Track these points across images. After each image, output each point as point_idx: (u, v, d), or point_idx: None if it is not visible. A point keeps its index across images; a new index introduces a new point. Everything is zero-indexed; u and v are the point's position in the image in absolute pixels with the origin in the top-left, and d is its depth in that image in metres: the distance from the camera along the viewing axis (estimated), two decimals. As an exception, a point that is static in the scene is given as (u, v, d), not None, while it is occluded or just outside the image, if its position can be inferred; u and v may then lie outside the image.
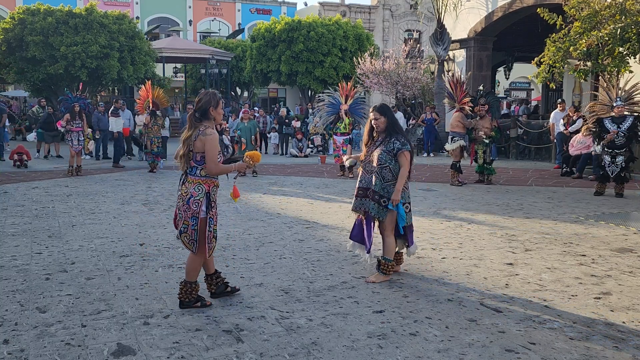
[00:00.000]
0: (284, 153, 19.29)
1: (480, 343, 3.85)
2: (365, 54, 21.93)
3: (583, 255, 6.14)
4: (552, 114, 15.03)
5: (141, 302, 4.57)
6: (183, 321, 4.18)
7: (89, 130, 13.63)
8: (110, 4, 38.36)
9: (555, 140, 14.64)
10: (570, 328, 4.13)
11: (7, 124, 19.05)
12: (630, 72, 11.71)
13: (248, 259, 5.92)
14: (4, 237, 6.80)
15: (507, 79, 31.50)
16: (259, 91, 37.28)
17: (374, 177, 5.20)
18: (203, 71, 29.51)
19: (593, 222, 7.94)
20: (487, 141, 11.48)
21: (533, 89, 45.14)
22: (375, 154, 5.22)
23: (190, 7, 43.12)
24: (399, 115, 20.46)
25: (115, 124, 15.36)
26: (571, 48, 12.19)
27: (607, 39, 11.50)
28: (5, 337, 3.88)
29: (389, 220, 5.18)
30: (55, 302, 4.58)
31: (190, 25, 42.90)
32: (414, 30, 35.79)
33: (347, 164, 5.80)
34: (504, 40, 20.84)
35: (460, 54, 20.45)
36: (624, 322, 4.24)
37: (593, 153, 12.03)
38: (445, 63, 19.96)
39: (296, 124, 20.14)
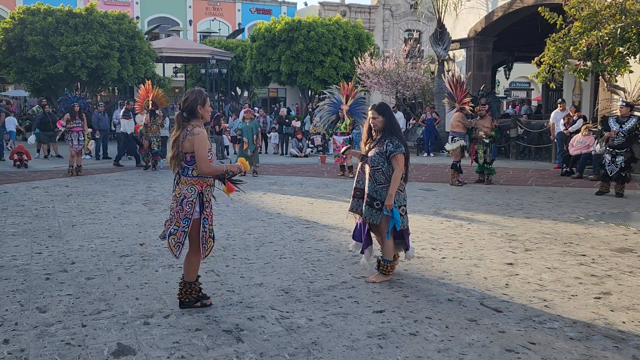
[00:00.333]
0: (284, 153, 19.29)
1: (480, 343, 3.86)
2: (365, 53, 21.93)
3: (583, 255, 6.14)
4: (552, 114, 15.02)
5: (141, 302, 4.57)
6: (183, 321, 4.18)
7: (89, 130, 13.61)
8: (110, 4, 38.35)
9: (555, 140, 14.64)
10: (571, 328, 4.13)
11: (15, 122, 19.09)
12: (631, 72, 11.71)
13: (248, 259, 5.92)
14: (4, 237, 6.80)
15: (507, 78, 31.51)
16: (259, 91, 37.26)
17: (367, 179, 5.19)
18: (203, 71, 29.50)
19: (593, 222, 7.94)
20: (487, 141, 11.48)
21: (533, 89, 45.13)
22: (370, 155, 5.20)
23: (190, 7, 43.10)
24: (399, 115, 20.49)
25: (128, 125, 15.26)
26: (571, 48, 12.18)
27: (607, 38, 11.49)
28: (6, 337, 3.88)
29: (385, 222, 5.16)
30: (56, 302, 4.58)
31: (190, 25, 42.88)
32: (414, 30, 35.78)
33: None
34: (504, 40, 20.83)
35: (460, 54, 20.44)
36: (624, 322, 4.24)
37: (593, 153, 12.04)
38: (445, 63, 19.95)
39: (296, 123, 20.14)
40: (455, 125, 11.69)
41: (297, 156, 18.15)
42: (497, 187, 11.32)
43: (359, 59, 21.54)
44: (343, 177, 12.78)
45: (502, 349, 3.76)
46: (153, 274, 5.32)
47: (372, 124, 5.24)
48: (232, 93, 34.40)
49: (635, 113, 10.30)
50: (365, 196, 5.18)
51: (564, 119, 13.92)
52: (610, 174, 10.15)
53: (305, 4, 43.10)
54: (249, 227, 7.45)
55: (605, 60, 11.84)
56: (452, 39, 19.74)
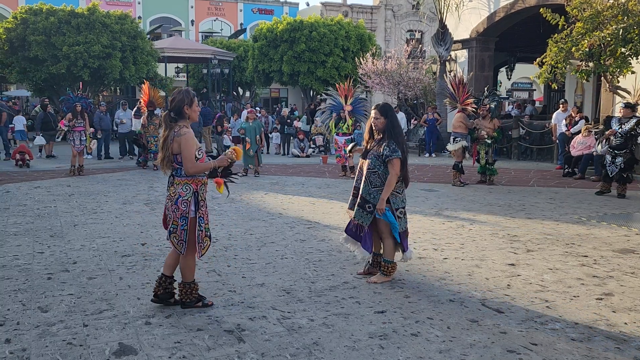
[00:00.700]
0: (286, 153, 19.28)
1: (481, 344, 3.85)
2: (367, 54, 21.91)
3: (585, 256, 6.13)
4: (554, 115, 15.01)
5: (143, 302, 4.57)
6: (185, 321, 4.18)
7: (91, 130, 13.62)
8: (113, 4, 38.38)
9: (557, 141, 14.62)
10: (572, 329, 4.13)
11: (24, 122, 19.14)
12: (632, 72, 11.70)
13: (250, 259, 5.92)
14: (6, 236, 6.81)
15: (509, 79, 31.46)
16: (261, 91, 37.26)
17: (362, 180, 5.18)
18: (205, 71, 29.51)
19: (595, 222, 7.93)
20: (489, 142, 11.48)
21: (535, 90, 45.11)
22: (368, 157, 5.18)
23: (192, 7, 43.13)
24: (401, 116, 20.48)
25: (139, 125, 15.22)
26: (573, 48, 12.18)
27: (609, 39, 11.49)
28: (7, 337, 3.89)
29: (384, 223, 5.15)
30: (57, 301, 4.59)
31: (192, 25, 42.91)
32: (415, 31, 35.74)
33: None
34: (506, 40, 20.82)
35: (462, 55, 20.43)
36: (626, 323, 4.23)
37: (594, 153, 12.02)
38: (447, 63, 19.93)
39: (298, 124, 20.14)
40: (457, 126, 11.69)
41: (298, 156, 18.15)
42: (499, 188, 11.31)
43: (361, 60, 21.53)
44: (345, 178, 12.78)
45: (503, 350, 3.76)
46: (155, 274, 5.31)
47: (373, 124, 5.21)
48: (234, 93, 34.41)
49: (638, 114, 10.31)
50: (359, 197, 5.18)
51: (565, 119, 13.91)
52: (611, 174, 10.19)
53: (307, 4, 43.10)
54: (250, 227, 7.45)
55: (608, 61, 11.83)
56: (454, 39, 19.73)
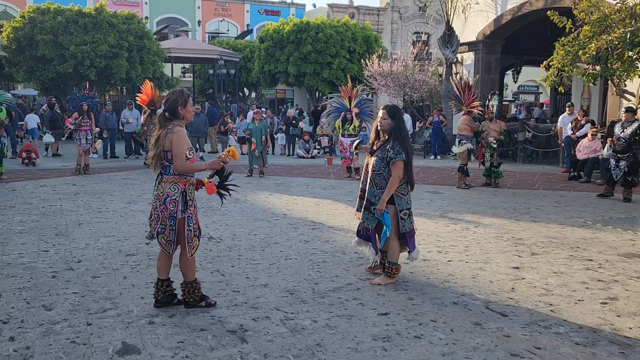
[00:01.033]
0: (291, 154, 19.29)
1: (485, 347, 3.84)
2: (374, 56, 21.90)
3: (590, 260, 6.10)
4: (560, 118, 14.97)
5: (146, 301, 4.57)
6: (188, 321, 4.19)
7: (97, 129, 13.66)
8: (120, 4, 38.52)
9: (563, 144, 14.57)
10: (576, 333, 4.11)
11: (37, 120, 19.26)
12: (639, 76, 11.65)
13: (253, 260, 5.92)
14: (12, 234, 6.83)
15: (516, 82, 31.43)
16: (267, 92, 37.30)
17: (367, 182, 5.18)
18: (211, 71, 29.56)
19: (600, 226, 7.89)
20: (495, 145, 11.46)
21: (541, 92, 44.97)
22: (374, 158, 5.18)
23: (199, 8, 43.25)
24: (407, 117, 20.44)
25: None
26: (580, 52, 12.13)
27: (616, 42, 11.44)
28: (12, 335, 3.90)
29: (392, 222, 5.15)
30: (61, 300, 4.60)
31: (199, 25, 43.02)
32: (422, 33, 35.70)
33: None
34: (512, 43, 20.78)
35: (468, 57, 20.39)
36: (630, 328, 4.21)
37: (600, 157, 11.98)
38: (453, 66, 19.90)
39: (303, 124, 20.15)
40: (462, 129, 11.67)
41: (304, 157, 18.15)
42: (504, 191, 11.28)
43: (367, 61, 21.52)
44: (350, 179, 12.78)
45: (507, 354, 3.74)
46: (158, 274, 5.32)
47: (379, 124, 5.20)
48: (240, 94, 34.46)
49: None
50: (365, 200, 5.18)
51: (571, 123, 13.86)
52: (616, 178, 10.26)
53: (314, 6, 43.16)
54: (254, 228, 7.45)
55: (615, 64, 11.79)
56: (461, 42, 19.70)
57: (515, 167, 15.61)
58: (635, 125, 10.03)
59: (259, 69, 28.32)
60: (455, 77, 19.17)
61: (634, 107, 10.75)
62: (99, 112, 16.89)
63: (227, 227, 7.47)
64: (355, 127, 12.90)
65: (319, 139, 18.95)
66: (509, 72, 28.47)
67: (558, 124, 14.85)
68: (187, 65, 36.18)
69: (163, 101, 4.42)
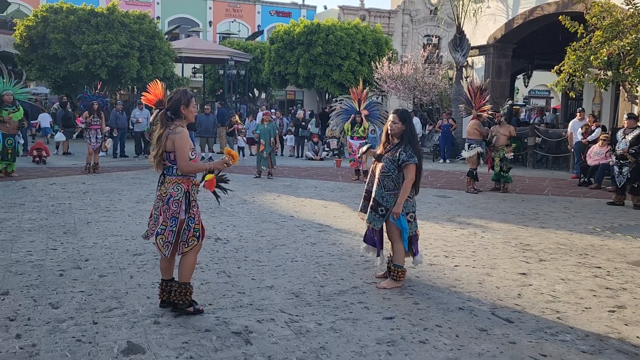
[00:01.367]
0: (300, 155, 19.31)
1: (490, 353, 3.82)
2: (384, 58, 21.87)
3: (598, 267, 6.06)
4: (570, 123, 14.87)
5: (152, 301, 4.59)
6: (193, 321, 4.19)
7: (107, 128, 13.74)
8: (132, 4, 38.73)
9: (573, 150, 14.49)
10: (583, 341, 4.08)
11: (49, 119, 19.44)
12: (651, 82, 11.58)
13: (260, 261, 5.93)
14: (21, 232, 6.88)
15: (526, 86, 31.24)
16: (277, 93, 37.35)
17: (375, 183, 5.18)
18: (221, 72, 29.66)
19: (610, 233, 7.83)
20: (511, 157, 11.45)
21: (553, 97, 44.69)
22: (382, 160, 5.18)
23: (210, 8, 43.40)
24: (416, 121, 20.39)
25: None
26: (592, 57, 12.07)
27: (628, 48, 11.37)
28: (18, 332, 3.93)
29: (395, 227, 5.15)
30: (68, 298, 4.63)
31: (210, 26, 43.16)
32: (432, 36, 35.63)
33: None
34: (523, 47, 20.69)
35: (479, 61, 20.33)
36: (638, 337, 4.17)
37: (611, 163, 11.90)
38: (463, 69, 19.85)
39: (310, 126, 20.17)
40: (471, 133, 11.63)
41: (312, 159, 18.16)
42: (513, 196, 11.22)
43: (377, 64, 21.50)
44: (358, 182, 12.76)
45: (512, 360, 3.72)
46: (165, 274, 5.34)
47: (390, 128, 5.20)
48: (250, 94, 34.53)
49: None
50: (371, 200, 5.18)
51: (581, 128, 13.77)
52: (620, 185, 10.29)
53: (325, 8, 43.16)
54: (261, 229, 7.46)
55: (627, 70, 11.72)
56: (471, 45, 19.64)
57: (525, 172, 15.53)
58: (636, 132, 10.03)
59: (269, 70, 28.37)
60: (466, 80, 19.15)
61: (636, 114, 10.70)
62: (110, 111, 17.00)
63: (235, 228, 7.49)
64: (365, 129, 12.90)
65: (327, 141, 18.96)
66: (520, 76, 28.32)
67: (568, 129, 14.76)
68: (197, 66, 36.29)
69: (166, 99, 4.39)
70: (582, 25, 12.49)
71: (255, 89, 35.84)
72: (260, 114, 17.38)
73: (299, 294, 4.91)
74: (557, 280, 5.54)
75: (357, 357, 3.71)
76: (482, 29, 19.60)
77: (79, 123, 13.91)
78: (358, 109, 12.95)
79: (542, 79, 36.43)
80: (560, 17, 12.96)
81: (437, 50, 24.71)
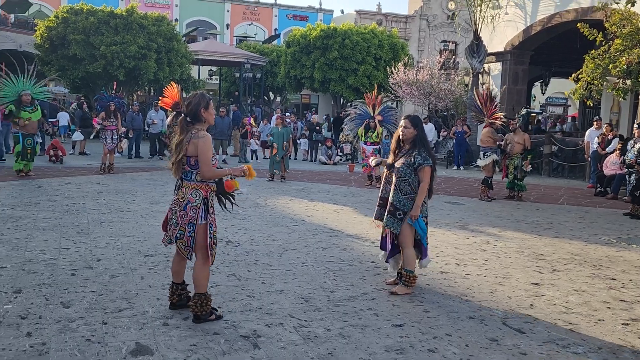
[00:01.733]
0: (313, 160, 19.31)
1: (500, 364, 3.78)
2: (399, 63, 21.83)
3: (613, 279, 5.97)
4: (587, 132, 14.71)
5: (162, 303, 4.60)
6: (202, 324, 4.19)
7: (122, 129, 13.85)
8: (151, 6, 39.09)
9: (589, 159, 14.33)
10: (595, 354, 4.02)
11: (67, 117, 19.70)
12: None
13: (270, 265, 5.92)
14: (35, 230, 6.95)
15: (544, 93, 31.00)
16: (292, 97, 37.44)
17: (392, 188, 5.17)
18: (237, 75, 29.80)
19: (625, 245, 7.73)
20: (529, 170, 11.36)
21: (570, 105, 44.29)
22: (397, 165, 5.18)
23: (228, 11, 43.65)
24: (430, 127, 20.32)
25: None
26: (610, 65, 11.94)
27: (648, 57, 11.23)
28: (29, 330, 3.96)
29: (407, 232, 5.13)
30: (79, 297, 4.66)
31: (227, 28, 43.42)
32: (449, 42, 35.52)
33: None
34: (541, 54, 20.52)
35: (495, 67, 20.21)
36: (651, 351, 4.10)
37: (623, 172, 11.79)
38: (480, 76, 19.74)
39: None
40: (485, 141, 11.56)
41: (326, 163, 18.16)
42: (527, 205, 11.12)
43: (393, 69, 21.45)
44: (370, 187, 12.73)
45: (522, 372, 3.67)
46: (176, 275, 5.36)
47: (402, 134, 5.21)
48: (265, 98, 34.65)
49: None
50: (389, 205, 5.17)
51: (598, 137, 13.62)
52: (628, 194, 10.31)
53: (342, 12, 43.21)
54: (273, 233, 7.46)
55: (646, 79, 11.58)
56: (488, 51, 19.52)
57: (540, 181, 15.39)
58: None
59: (284, 73, 28.46)
60: (482, 87, 19.04)
61: None
62: (126, 112, 17.14)
63: (246, 231, 7.50)
64: (378, 134, 12.86)
65: (341, 145, 18.94)
66: (537, 83, 28.11)
67: (585, 138, 14.60)
68: (214, 68, 36.51)
69: (185, 104, 4.34)
70: (601, 33, 12.36)
71: (270, 92, 35.97)
72: (274, 118, 17.42)
73: (309, 299, 4.90)
74: (571, 291, 5.47)
75: (365, 364, 3.69)
76: (500, 35, 19.48)
77: (95, 124, 14.03)
78: (372, 114, 12.93)
79: (559, 86, 36.12)
80: (578, 24, 12.84)
81: (453, 56, 24.66)
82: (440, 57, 22.35)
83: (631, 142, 10.48)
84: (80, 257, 5.85)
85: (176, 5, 42.17)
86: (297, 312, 4.56)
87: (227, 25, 43.53)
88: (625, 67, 11.63)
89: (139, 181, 11.92)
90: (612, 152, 12.87)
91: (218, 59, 29.57)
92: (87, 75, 22.96)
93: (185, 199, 4.18)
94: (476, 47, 19.37)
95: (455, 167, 18.24)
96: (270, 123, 19.26)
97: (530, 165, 11.38)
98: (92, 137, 18.35)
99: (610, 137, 13.38)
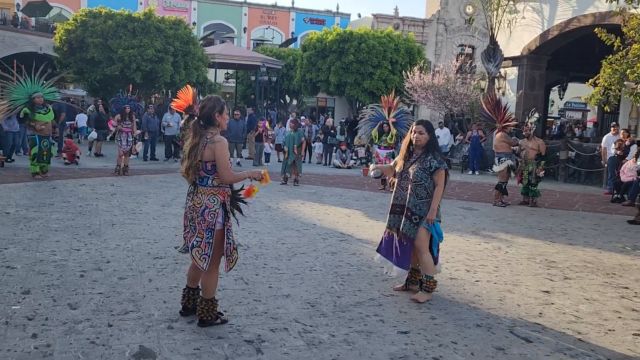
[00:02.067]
0: (327, 163, 19.30)
1: (505, 373, 3.72)
2: (415, 67, 21.75)
3: (626, 288, 5.87)
4: (604, 138, 14.54)
5: (168, 306, 4.62)
6: (206, 328, 4.19)
7: (137, 131, 13.97)
8: (169, 9, 39.45)
9: (606, 165, 14.14)
10: (603, 365, 3.95)
11: (86, 119, 19.99)
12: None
13: (278, 269, 5.92)
14: (48, 231, 7.02)
15: (562, 98, 30.69)
16: (308, 100, 37.49)
17: (408, 194, 5.15)
18: (253, 78, 29.93)
19: (640, 253, 7.60)
20: (542, 175, 11.21)
21: (590, 110, 43.78)
22: (411, 170, 5.16)
23: (245, 15, 43.92)
24: (445, 131, 20.21)
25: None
26: (628, 71, 11.79)
27: (666, 62, 11.06)
28: (35, 332, 3.99)
29: (424, 237, 5.10)
30: (87, 299, 4.69)
31: (244, 32, 43.66)
32: (466, 46, 35.30)
33: (372, 174, 5.69)
34: (559, 59, 20.33)
35: (512, 72, 20.06)
36: (662, 363, 4.02)
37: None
38: (496, 80, 19.59)
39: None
40: (499, 146, 11.45)
41: (340, 167, 18.14)
42: (542, 210, 10.99)
43: (408, 73, 21.38)
44: (384, 191, 12.68)
45: (527, 382, 3.62)
46: (184, 278, 5.32)
47: (415, 139, 5.18)
48: (282, 101, 34.74)
49: None
50: (405, 210, 5.14)
51: (615, 143, 13.44)
52: (637, 201, 10.15)
53: (359, 15, 43.20)
54: (283, 237, 7.46)
55: (664, 84, 11.40)
56: (505, 56, 19.38)
57: (556, 187, 15.22)
58: None
59: (300, 77, 28.50)
60: (498, 91, 18.90)
61: None
62: (141, 114, 17.28)
63: (256, 234, 7.50)
64: (392, 135, 12.80)
65: (355, 149, 18.91)
66: (555, 88, 27.83)
67: (602, 143, 14.43)
68: (230, 71, 36.70)
69: (198, 108, 4.27)
70: (619, 38, 12.20)
71: (287, 96, 36.05)
72: (289, 121, 17.45)
73: (315, 304, 4.88)
74: (582, 300, 5.38)
75: (368, 371, 3.66)
76: (516, 39, 19.33)
77: (111, 126, 14.17)
78: (387, 117, 12.88)
79: (578, 91, 35.72)
80: (596, 29, 12.69)
81: (470, 60, 24.48)
82: (457, 61, 22.21)
83: None
84: (90, 259, 5.89)
85: (194, 9, 42.53)
86: (303, 317, 4.54)
87: (245, 29, 43.78)
88: (643, 72, 11.47)
89: (152, 183, 12.00)
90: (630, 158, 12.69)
91: (234, 62, 29.72)
92: (105, 78, 23.20)
93: (203, 205, 4.13)
94: (492, 52, 19.25)
95: (470, 172, 18.11)
96: (285, 126, 19.29)
97: (543, 171, 11.22)
98: (108, 138, 18.52)
99: (627, 142, 13.19)
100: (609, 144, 13.87)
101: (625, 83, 12.47)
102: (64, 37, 23.18)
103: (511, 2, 19.00)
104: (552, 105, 36.73)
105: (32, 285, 4.96)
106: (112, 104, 15.17)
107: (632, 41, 12.05)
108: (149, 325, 4.21)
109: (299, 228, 8.10)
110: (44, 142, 11.75)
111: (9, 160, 14.17)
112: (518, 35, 19.22)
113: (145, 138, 16.86)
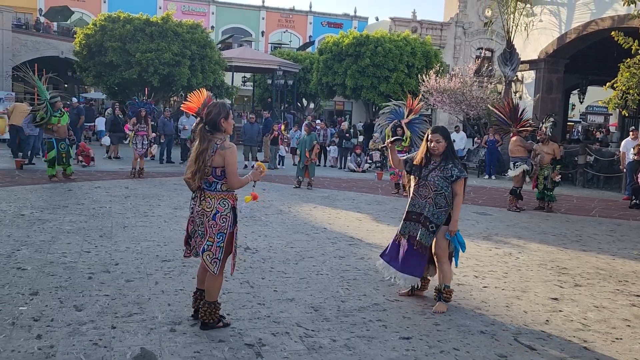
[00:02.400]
0: (342, 167, 19.28)
1: (506, 381, 3.68)
2: (431, 71, 21.66)
3: (637, 296, 5.77)
4: (623, 142, 14.31)
5: (172, 309, 4.65)
6: (208, 331, 4.21)
7: (153, 134, 14.11)
8: (188, 13, 39.82)
9: (625, 170, 13.92)
10: (608, 374, 3.88)
11: (101, 125, 20.38)
12: None
13: (285, 273, 5.92)
14: (60, 233, 7.12)
15: (581, 102, 30.26)
16: (325, 103, 37.54)
17: (427, 203, 5.08)
18: (270, 81, 30.06)
19: (655, 260, 7.47)
20: (558, 180, 11.05)
21: (611, 114, 43.14)
22: (430, 178, 5.08)
23: (263, 19, 44.16)
24: (462, 135, 20.07)
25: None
26: (646, 74, 11.58)
27: (685, 66, 10.86)
28: (39, 332, 4.05)
29: (445, 246, 5.07)
30: (93, 301, 4.74)
31: (262, 36, 43.90)
32: (483, 49, 35.06)
33: (391, 139, 5.49)
34: (577, 62, 20.07)
35: (529, 75, 19.84)
36: (669, 373, 3.94)
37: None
38: (512, 84, 19.41)
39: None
40: (514, 151, 11.34)
41: (354, 171, 18.11)
42: (557, 216, 10.86)
43: (424, 77, 21.29)
44: (397, 195, 12.64)
45: (528, 390, 3.57)
46: (189, 281, 5.40)
47: (432, 147, 5.08)
48: (299, 104, 34.83)
49: None
50: (423, 219, 5.09)
51: (634, 148, 13.22)
52: None
53: (377, 19, 43.13)
54: (292, 240, 7.47)
55: (683, 88, 11.19)
56: (522, 59, 19.19)
57: (574, 192, 15.02)
58: None
59: (317, 80, 28.55)
60: (515, 95, 18.71)
61: None
62: (157, 118, 17.46)
63: (266, 238, 7.52)
64: (407, 138, 12.70)
65: (370, 153, 18.87)
66: (575, 92, 27.48)
67: (621, 148, 14.21)
68: (247, 75, 36.89)
69: (204, 113, 4.24)
70: (636, 41, 12.01)
71: (304, 99, 36.14)
72: (304, 124, 17.49)
73: (319, 308, 4.87)
74: (590, 308, 5.30)
75: (366, 377, 3.64)
76: (534, 43, 19.13)
77: (127, 130, 14.34)
78: (405, 117, 12.71)
79: (599, 95, 35.24)
80: (613, 32, 12.50)
81: (488, 64, 24.28)
82: (473, 65, 22.05)
83: None
84: (99, 261, 5.96)
85: (212, 13, 42.88)
86: (305, 322, 4.54)
87: (262, 33, 44.01)
88: (661, 76, 11.28)
89: (166, 186, 12.11)
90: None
91: (251, 65, 29.89)
92: (123, 82, 23.50)
93: (214, 209, 4.15)
94: (509, 55, 19.07)
95: (486, 176, 17.96)
96: (300, 130, 19.33)
97: (559, 176, 11.07)
98: (125, 141, 18.74)
99: (646, 147, 12.98)
100: (627, 148, 13.65)
101: (643, 87, 12.25)
102: (83, 42, 23.55)
103: (528, 5, 18.81)
104: (572, 109, 36.25)
105: (41, 287, 5.03)
106: (128, 107, 15.36)
107: (651, 44, 11.85)
108: (151, 327, 4.24)
109: (309, 232, 8.11)
110: (62, 145, 11.93)
111: (29, 163, 14.41)
112: (535, 39, 19.03)
113: (162, 141, 17.02)
